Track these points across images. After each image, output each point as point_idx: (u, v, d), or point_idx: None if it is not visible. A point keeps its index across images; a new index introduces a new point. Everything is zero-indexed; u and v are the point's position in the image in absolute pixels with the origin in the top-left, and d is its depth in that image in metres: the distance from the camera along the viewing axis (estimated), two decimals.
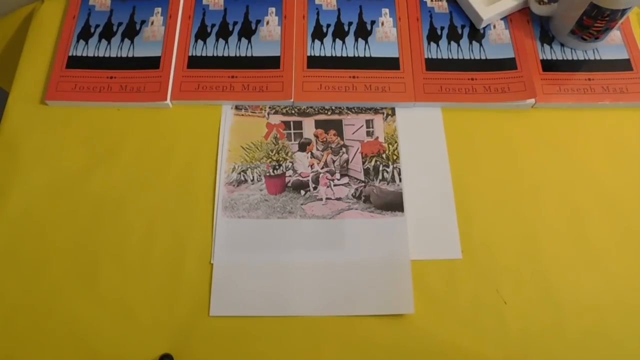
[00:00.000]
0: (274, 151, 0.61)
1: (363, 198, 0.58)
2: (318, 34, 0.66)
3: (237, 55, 0.64)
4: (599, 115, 0.63)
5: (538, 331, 0.52)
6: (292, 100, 0.62)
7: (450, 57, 0.64)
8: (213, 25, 0.66)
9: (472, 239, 0.56)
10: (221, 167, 0.59)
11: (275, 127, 0.62)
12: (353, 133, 0.62)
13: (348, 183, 0.59)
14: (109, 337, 0.51)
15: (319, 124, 0.62)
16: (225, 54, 0.64)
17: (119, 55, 0.64)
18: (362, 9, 0.68)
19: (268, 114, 0.62)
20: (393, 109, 0.63)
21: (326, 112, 0.63)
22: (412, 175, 0.59)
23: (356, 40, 0.66)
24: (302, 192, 0.58)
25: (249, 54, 0.64)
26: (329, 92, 0.62)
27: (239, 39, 0.65)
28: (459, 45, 0.65)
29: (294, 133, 0.62)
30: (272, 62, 0.64)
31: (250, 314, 0.52)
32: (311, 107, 0.63)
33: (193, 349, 0.51)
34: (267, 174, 0.59)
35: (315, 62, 0.64)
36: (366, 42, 0.65)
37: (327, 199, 0.58)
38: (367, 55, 0.64)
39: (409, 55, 0.64)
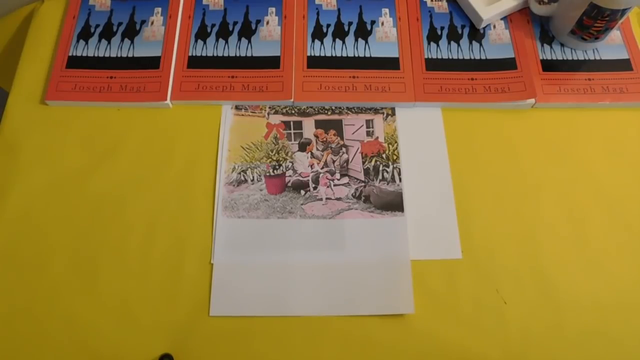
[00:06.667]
0: (274, 151, 0.61)
1: (363, 198, 0.58)
2: (318, 34, 0.66)
3: (237, 55, 0.64)
4: (599, 115, 0.63)
5: (538, 331, 0.52)
6: (292, 100, 0.62)
7: (450, 57, 0.64)
8: (213, 25, 0.66)
9: (472, 239, 0.56)
10: (221, 167, 0.59)
11: (275, 127, 0.62)
12: (353, 133, 0.62)
13: (348, 183, 0.59)
14: (109, 337, 0.51)
15: (319, 124, 0.62)
16: (225, 54, 0.64)
17: (119, 55, 0.64)
18: (362, 9, 0.68)
19: (268, 114, 0.62)
20: (393, 109, 0.63)
21: (326, 112, 0.63)
22: (412, 175, 0.59)
23: (356, 40, 0.66)
24: (302, 192, 0.58)
25: (249, 54, 0.64)
26: (329, 92, 0.62)
27: (239, 39, 0.65)
28: (459, 45, 0.65)
29: (294, 133, 0.62)
30: (272, 62, 0.64)
31: (250, 314, 0.52)
32: (311, 107, 0.63)
33: (193, 349, 0.51)
34: (267, 174, 0.59)
35: (315, 62, 0.64)
36: (366, 42, 0.65)
37: (327, 199, 0.58)
38: (367, 55, 0.64)
39: (409, 55, 0.64)
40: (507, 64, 0.64)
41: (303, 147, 0.61)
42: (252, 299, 0.53)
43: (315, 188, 0.59)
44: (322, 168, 0.60)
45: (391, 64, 0.64)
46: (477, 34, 0.66)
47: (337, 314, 0.53)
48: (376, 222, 0.57)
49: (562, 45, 0.66)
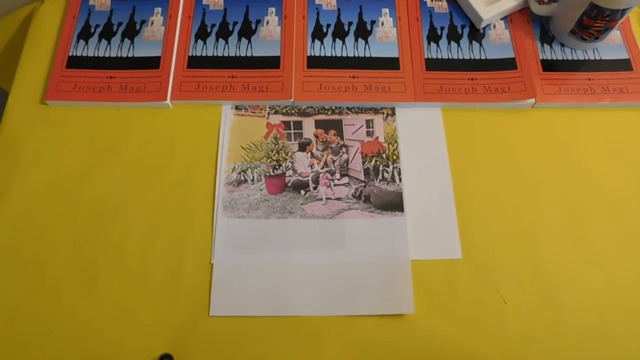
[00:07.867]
0: (274, 151, 0.61)
1: (363, 198, 0.58)
2: (318, 34, 0.66)
3: (237, 55, 0.64)
4: (599, 115, 0.63)
5: (538, 331, 0.52)
6: (292, 100, 0.62)
7: (450, 57, 0.64)
8: (213, 25, 0.66)
9: (472, 239, 0.56)
10: (221, 167, 0.59)
11: (275, 127, 0.62)
12: (353, 133, 0.62)
13: (348, 183, 0.59)
14: (109, 337, 0.51)
15: (319, 124, 0.62)
16: (225, 54, 0.64)
17: (119, 55, 0.64)
18: (362, 9, 0.68)
19: (268, 114, 0.62)
20: (393, 109, 0.63)
21: (326, 112, 0.63)
22: (412, 175, 0.59)
23: (356, 40, 0.66)
24: (302, 192, 0.58)
25: (249, 54, 0.64)
26: (329, 92, 0.62)
27: (239, 39, 0.65)
28: (459, 45, 0.65)
29: (294, 133, 0.62)
30: (272, 62, 0.64)
31: (250, 314, 0.52)
32: (311, 107, 0.63)
33: (193, 349, 0.51)
34: (267, 174, 0.59)
35: (315, 62, 0.64)
36: (366, 42, 0.65)
37: (327, 199, 0.58)
38: (367, 55, 0.64)
39: (409, 55, 0.64)
40: (507, 64, 0.64)
41: (303, 147, 0.61)
42: (252, 299, 0.53)
43: (315, 188, 0.59)
44: (322, 168, 0.60)
45: (391, 64, 0.64)
46: (477, 34, 0.66)
47: (337, 314, 0.53)
48: (376, 222, 0.57)
49: (562, 45, 0.66)
